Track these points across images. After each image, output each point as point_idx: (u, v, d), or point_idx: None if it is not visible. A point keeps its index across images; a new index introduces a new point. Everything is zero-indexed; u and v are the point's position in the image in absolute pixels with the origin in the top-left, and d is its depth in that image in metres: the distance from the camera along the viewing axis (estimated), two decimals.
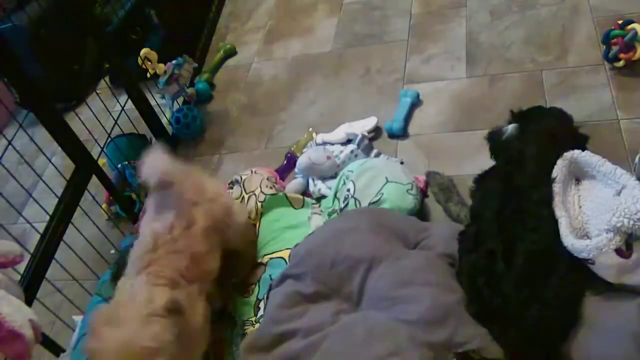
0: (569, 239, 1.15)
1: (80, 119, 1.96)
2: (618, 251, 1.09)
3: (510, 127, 1.44)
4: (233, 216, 1.51)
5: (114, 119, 2.10)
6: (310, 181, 1.86)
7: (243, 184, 1.83)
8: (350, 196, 1.63)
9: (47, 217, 1.73)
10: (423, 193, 1.70)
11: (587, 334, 1.12)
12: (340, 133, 1.94)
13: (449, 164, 1.77)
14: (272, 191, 1.78)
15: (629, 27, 1.76)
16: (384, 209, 1.56)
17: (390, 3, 2.48)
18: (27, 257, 1.60)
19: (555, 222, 1.20)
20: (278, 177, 1.93)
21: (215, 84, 2.52)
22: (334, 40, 2.44)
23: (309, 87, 2.30)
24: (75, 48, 2.66)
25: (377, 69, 2.23)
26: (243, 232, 1.58)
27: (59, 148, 1.84)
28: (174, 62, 2.24)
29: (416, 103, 2.02)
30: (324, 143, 1.94)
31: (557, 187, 1.25)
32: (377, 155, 1.88)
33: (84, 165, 1.86)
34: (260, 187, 1.79)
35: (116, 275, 1.57)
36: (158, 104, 2.32)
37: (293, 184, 1.87)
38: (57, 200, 1.77)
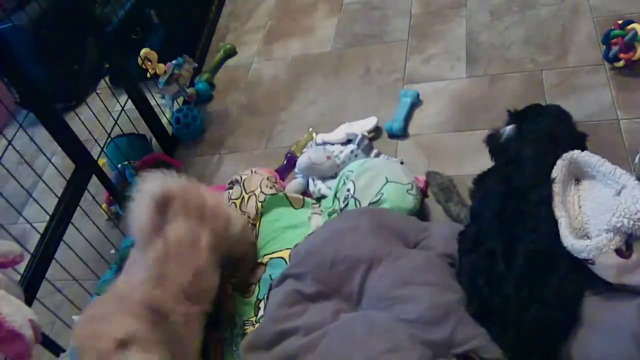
0: (568, 239, 1.15)
1: (80, 119, 1.96)
2: (618, 251, 1.09)
3: (508, 129, 1.44)
4: (232, 226, 1.50)
5: (114, 119, 2.10)
6: (310, 181, 1.86)
7: (243, 184, 1.83)
8: (350, 196, 1.63)
9: (47, 217, 1.73)
10: (423, 193, 1.70)
11: (587, 334, 1.12)
12: (340, 133, 1.94)
13: (449, 164, 1.77)
14: (272, 191, 1.78)
15: (629, 27, 1.76)
16: (384, 209, 1.56)
17: (390, 3, 2.48)
18: (27, 257, 1.60)
19: (555, 222, 1.20)
20: (278, 177, 1.93)
21: (215, 84, 2.52)
22: (334, 40, 2.44)
23: (309, 87, 2.30)
24: (75, 48, 2.66)
25: (377, 69, 2.23)
26: (242, 239, 1.58)
27: (59, 148, 1.84)
28: (174, 62, 2.24)
29: (416, 103, 2.02)
30: (324, 143, 1.94)
31: (556, 187, 1.25)
32: (377, 155, 1.88)
33: (84, 165, 1.86)
34: (260, 187, 1.79)
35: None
36: (158, 104, 2.32)
37: (293, 184, 1.87)
38: (57, 200, 1.77)
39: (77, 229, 1.79)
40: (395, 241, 1.40)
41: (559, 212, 1.21)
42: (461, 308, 1.21)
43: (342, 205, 1.65)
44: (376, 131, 1.98)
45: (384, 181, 1.62)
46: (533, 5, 2.18)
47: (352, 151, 1.87)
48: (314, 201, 1.80)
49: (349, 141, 1.91)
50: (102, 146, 2.07)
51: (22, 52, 2.23)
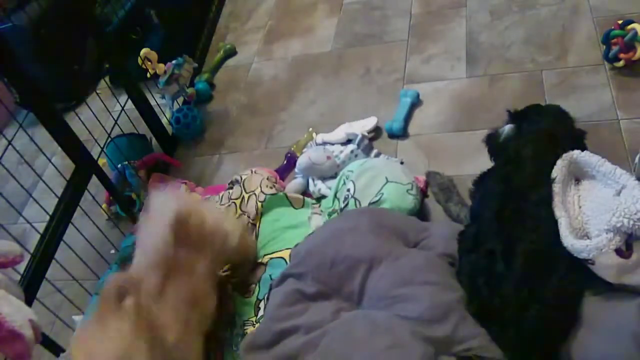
0: (568, 239, 1.15)
1: (80, 119, 1.96)
2: (618, 251, 1.09)
3: (507, 128, 1.44)
4: (230, 240, 1.48)
5: (114, 119, 2.10)
6: (310, 181, 1.86)
7: (243, 184, 1.83)
8: (350, 196, 1.63)
9: (47, 217, 1.73)
10: (423, 193, 1.70)
11: (587, 334, 1.12)
12: (340, 133, 1.94)
13: (449, 164, 1.77)
14: (273, 191, 1.78)
15: (629, 27, 1.76)
16: (384, 209, 1.56)
17: (390, 3, 2.48)
18: (27, 257, 1.60)
19: (554, 222, 1.20)
20: (278, 177, 1.93)
21: (215, 84, 2.52)
22: (334, 40, 2.44)
23: (309, 87, 2.30)
24: (75, 48, 2.65)
25: (377, 69, 2.23)
26: (241, 250, 1.56)
27: (59, 148, 1.84)
28: (174, 62, 2.24)
29: (416, 103, 2.02)
30: (324, 143, 1.94)
31: (556, 188, 1.25)
32: (377, 155, 1.88)
33: (84, 165, 1.86)
34: (261, 187, 1.79)
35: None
36: (158, 104, 2.32)
37: (293, 184, 1.87)
38: (57, 200, 1.77)
39: (77, 229, 1.79)
40: (396, 241, 1.40)
41: (559, 212, 1.21)
42: (462, 307, 1.21)
43: (342, 205, 1.65)
44: (376, 131, 1.98)
45: (384, 181, 1.62)
46: (533, 5, 2.18)
47: (352, 151, 1.87)
48: (314, 201, 1.80)
49: (349, 141, 1.91)
50: (102, 146, 2.07)
51: (22, 52, 2.22)
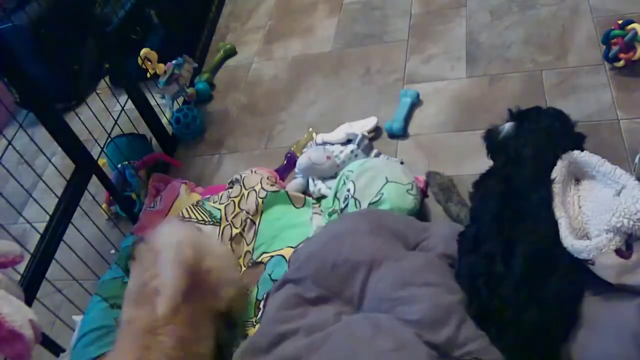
0: (568, 240, 1.15)
1: (80, 119, 1.95)
2: (618, 251, 1.09)
3: (507, 126, 1.43)
4: (227, 289, 1.43)
5: (114, 119, 2.10)
6: (310, 181, 1.86)
7: (243, 182, 1.83)
8: (350, 196, 1.63)
9: (47, 217, 1.73)
10: (423, 193, 1.70)
11: (587, 334, 1.12)
12: (340, 133, 1.94)
13: (449, 164, 1.77)
14: (274, 188, 1.78)
15: (629, 27, 1.76)
16: (384, 210, 1.56)
17: (390, 3, 2.48)
18: (27, 257, 1.60)
19: (554, 223, 1.20)
20: (278, 177, 1.93)
21: (215, 84, 2.52)
22: (334, 40, 2.44)
23: (309, 87, 2.30)
24: (75, 48, 2.66)
25: (377, 69, 2.23)
26: (238, 300, 1.50)
27: (59, 148, 1.84)
28: (174, 62, 2.24)
29: (416, 103, 2.02)
30: (324, 143, 1.94)
31: (556, 188, 1.25)
32: (377, 155, 1.88)
33: (84, 165, 1.86)
34: (261, 184, 1.79)
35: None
36: (158, 104, 2.32)
37: (293, 184, 1.87)
38: (57, 200, 1.76)
39: (77, 229, 1.79)
40: (395, 243, 1.40)
41: (558, 212, 1.21)
42: (462, 309, 1.21)
43: (342, 205, 1.65)
44: (376, 131, 1.98)
45: (384, 181, 1.62)
46: (533, 5, 2.18)
47: (352, 151, 1.87)
48: (314, 201, 1.80)
49: (349, 141, 1.91)
50: (102, 146, 2.07)
51: (22, 52, 2.23)
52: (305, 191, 1.86)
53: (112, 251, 1.94)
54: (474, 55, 2.10)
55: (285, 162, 2.01)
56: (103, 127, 2.03)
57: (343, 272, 1.34)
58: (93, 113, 2.00)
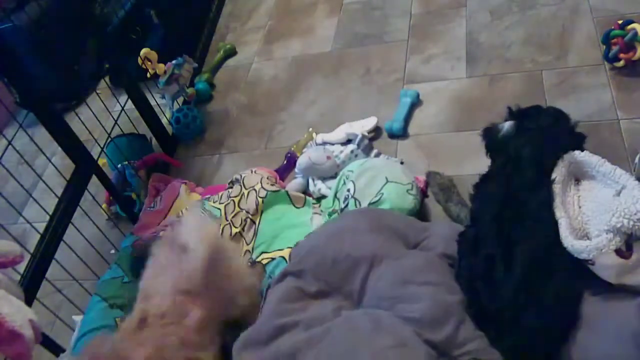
0: (568, 240, 1.15)
1: (80, 119, 1.95)
2: (618, 252, 1.09)
3: (507, 125, 1.43)
4: (241, 297, 1.43)
5: (114, 119, 2.10)
6: (310, 181, 1.86)
7: (243, 182, 1.83)
8: (350, 196, 1.63)
9: (47, 217, 1.73)
10: (423, 193, 1.70)
11: (587, 334, 1.12)
12: (340, 133, 1.94)
13: (449, 164, 1.77)
14: (274, 188, 1.78)
15: (629, 27, 1.76)
16: (384, 209, 1.56)
17: (390, 3, 2.48)
18: (27, 257, 1.60)
19: (554, 223, 1.20)
20: (278, 177, 1.93)
21: (215, 84, 2.52)
22: (334, 40, 2.44)
23: (309, 87, 2.30)
24: (75, 48, 2.65)
25: (377, 69, 2.23)
26: (250, 310, 1.47)
27: (59, 148, 1.84)
28: (174, 62, 2.24)
29: (416, 103, 2.02)
30: (324, 143, 1.94)
31: (556, 188, 1.25)
32: (377, 155, 1.88)
33: (84, 165, 1.86)
34: (261, 183, 1.79)
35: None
36: (158, 104, 2.32)
37: (293, 184, 1.87)
38: (57, 200, 1.77)
39: (77, 229, 1.79)
40: (396, 241, 1.40)
41: (559, 212, 1.21)
42: (462, 309, 1.21)
43: (342, 205, 1.65)
44: (376, 131, 1.98)
45: (384, 181, 1.62)
46: (533, 5, 2.18)
47: (352, 151, 1.87)
48: (314, 201, 1.80)
49: (349, 141, 1.91)
50: (102, 146, 2.07)
51: (22, 52, 2.23)
52: (305, 191, 1.86)
53: (112, 251, 1.94)
54: (474, 55, 2.10)
55: (285, 162, 2.01)
56: (103, 127, 2.03)
57: (344, 267, 1.34)
58: (93, 113, 2.00)
